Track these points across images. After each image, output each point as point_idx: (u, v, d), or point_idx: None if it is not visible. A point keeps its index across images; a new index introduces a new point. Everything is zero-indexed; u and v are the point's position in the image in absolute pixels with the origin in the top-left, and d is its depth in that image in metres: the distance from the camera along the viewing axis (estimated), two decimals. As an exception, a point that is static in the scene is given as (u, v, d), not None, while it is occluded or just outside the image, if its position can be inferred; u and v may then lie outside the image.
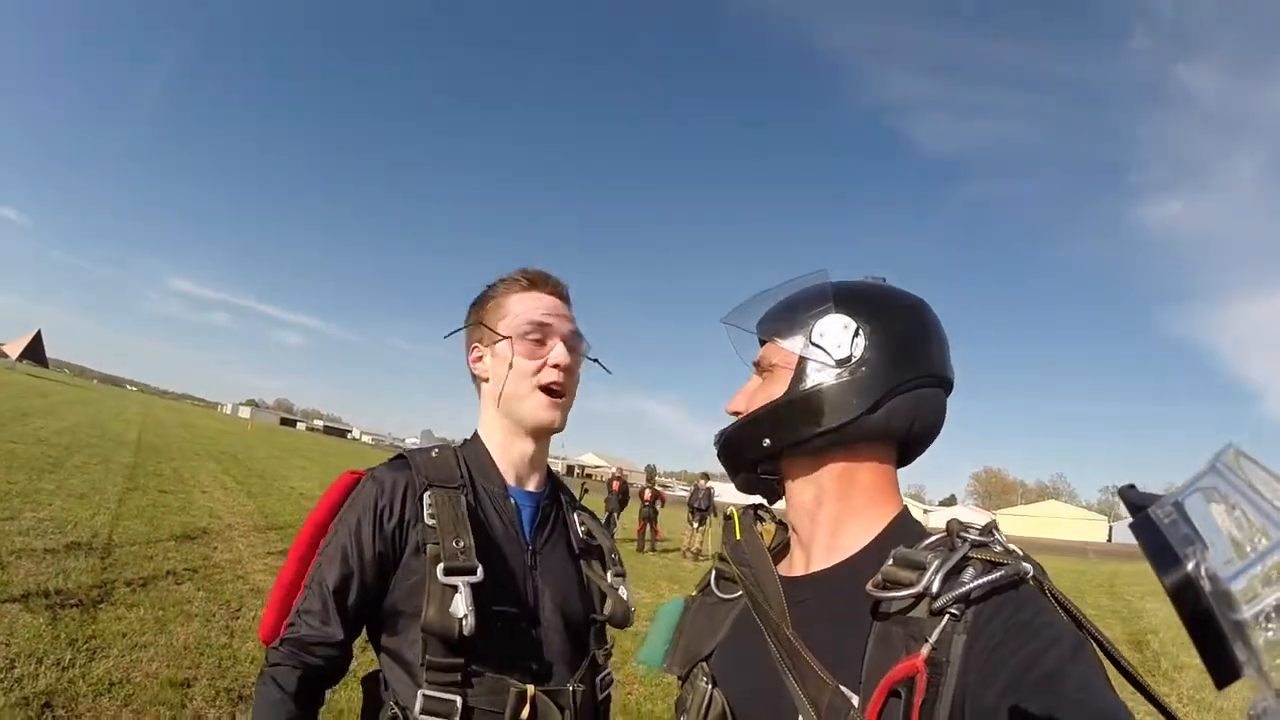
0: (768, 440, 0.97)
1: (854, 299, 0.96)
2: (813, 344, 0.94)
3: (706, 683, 0.98)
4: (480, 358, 1.44)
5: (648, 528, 17.03)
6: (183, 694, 4.00)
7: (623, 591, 1.41)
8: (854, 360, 0.92)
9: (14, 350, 74.36)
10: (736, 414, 1.03)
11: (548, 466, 1.51)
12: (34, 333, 76.86)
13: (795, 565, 1.00)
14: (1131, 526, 0.46)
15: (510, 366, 1.37)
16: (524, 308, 1.40)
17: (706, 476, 18.25)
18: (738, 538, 1.07)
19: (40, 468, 10.92)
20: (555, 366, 1.36)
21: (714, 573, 1.12)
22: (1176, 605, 0.41)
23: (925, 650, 0.72)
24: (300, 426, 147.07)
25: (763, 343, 1.04)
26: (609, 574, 1.43)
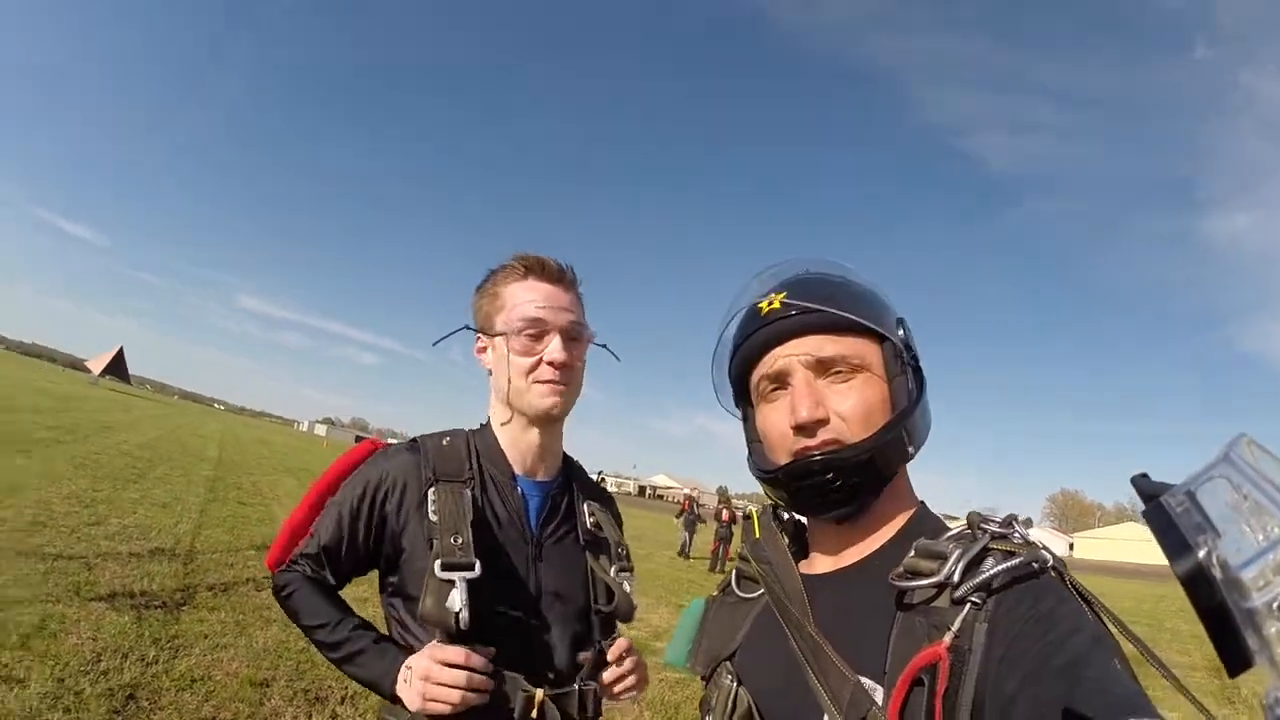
0: (912, 448, 0.91)
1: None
2: (905, 345, 0.93)
3: (731, 681, 0.96)
4: (484, 349, 1.45)
5: (721, 547, 17.00)
6: (261, 693, 4.16)
7: (627, 586, 1.40)
8: (918, 360, 0.94)
9: (97, 366, 75.52)
10: (820, 421, 0.88)
11: (563, 454, 1.50)
12: (116, 349, 78.98)
13: (816, 564, 0.99)
14: (1144, 514, 0.46)
15: (508, 363, 1.37)
16: (520, 300, 1.37)
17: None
18: (757, 536, 1.06)
19: (125, 478, 11.42)
20: (551, 364, 1.35)
21: (735, 573, 1.11)
22: (1188, 593, 0.41)
23: (948, 638, 0.72)
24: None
25: (829, 332, 0.92)
26: (614, 568, 1.42)
